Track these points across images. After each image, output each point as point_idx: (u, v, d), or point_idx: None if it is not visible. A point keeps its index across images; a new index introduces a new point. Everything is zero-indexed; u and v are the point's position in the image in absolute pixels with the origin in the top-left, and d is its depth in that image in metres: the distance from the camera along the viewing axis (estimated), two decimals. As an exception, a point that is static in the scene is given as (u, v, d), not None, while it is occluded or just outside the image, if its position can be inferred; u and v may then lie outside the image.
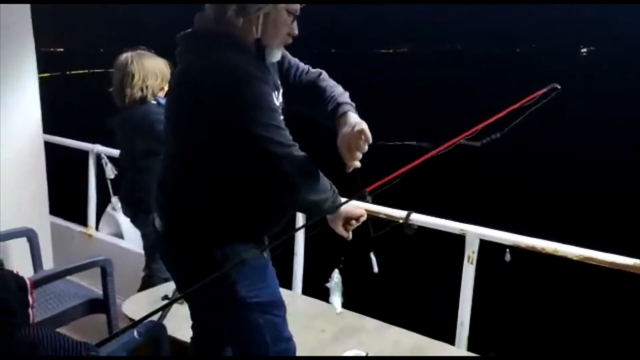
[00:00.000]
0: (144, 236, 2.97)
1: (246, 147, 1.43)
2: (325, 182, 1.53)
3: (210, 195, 1.54)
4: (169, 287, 2.65)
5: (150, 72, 2.76)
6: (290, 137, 1.46)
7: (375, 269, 1.77)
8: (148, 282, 2.91)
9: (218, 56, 1.44)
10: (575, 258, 2.01)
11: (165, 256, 1.76)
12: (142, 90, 2.74)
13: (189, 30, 1.55)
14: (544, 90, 1.36)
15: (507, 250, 2.05)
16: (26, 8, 2.86)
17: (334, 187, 1.56)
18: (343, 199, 1.46)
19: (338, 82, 1.62)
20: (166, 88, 2.84)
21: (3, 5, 2.74)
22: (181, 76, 1.54)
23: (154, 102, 2.79)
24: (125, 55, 2.78)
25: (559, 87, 1.34)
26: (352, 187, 1.50)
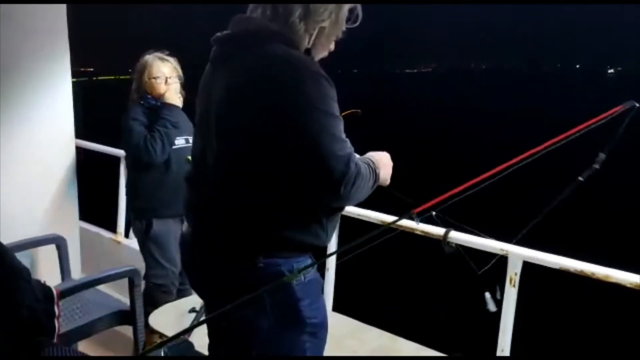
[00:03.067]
0: (138, 240, 2.99)
1: (306, 153, 1.31)
2: (371, 182, 1.42)
3: (265, 199, 1.38)
4: (196, 300, 2.60)
5: (137, 72, 2.81)
6: (350, 149, 1.35)
7: (493, 308, 1.69)
8: (146, 289, 2.87)
9: (283, 52, 1.35)
10: (629, 285, 1.86)
11: (195, 267, 1.57)
12: (134, 93, 2.82)
13: (240, 29, 1.44)
14: (620, 108, 1.24)
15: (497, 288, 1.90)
16: (62, 11, 2.87)
17: (372, 173, 1.43)
18: (391, 218, 1.37)
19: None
20: (162, 89, 2.82)
21: (39, 8, 2.76)
22: (237, 72, 1.39)
23: (141, 103, 2.81)
24: (145, 58, 2.85)
25: (637, 104, 1.22)
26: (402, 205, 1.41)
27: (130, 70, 2.96)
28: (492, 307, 1.81)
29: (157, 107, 2.81)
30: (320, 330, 1.49)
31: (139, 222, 2.85)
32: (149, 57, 2.83)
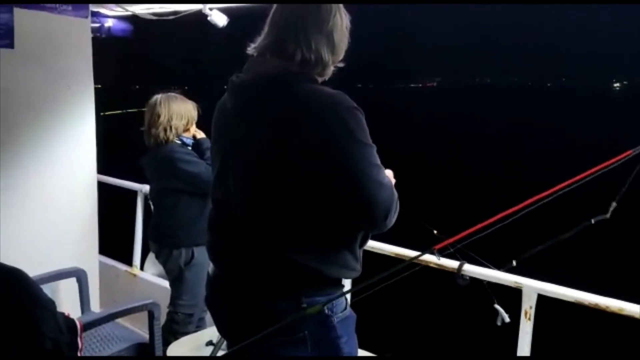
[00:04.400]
0: (168, 272, 3.05)
1: (353, 187, 1.32)
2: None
3: (306, 240, 1.38)
4: (213, 333, 2.62)
5: (176, 114, 2.91)
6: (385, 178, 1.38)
7: (507, 319, 1.71)
8: (172, 318, 2.97)
9: (314, 90, 1.38)
10: (643, 318, 1.87)
11: (222, 306, 1.57)
12: (165, 131, 2.89)
13: (260, 73, 1.44)
14: (631, 153, 1.28)
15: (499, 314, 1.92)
16: (88, 52, 3.01)
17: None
18: (413, 253, 1.40)
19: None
20: (192, 129, 3.00)
21: (68, 49, 2.90)
22: (270, 118, 1.39)
23: (178, 141, 2.93)
24: (155, 97, 2.95)
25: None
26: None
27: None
28: (506, 317, 1.82)
29: (192, 144, 2.97)
30: None
31: (178, 253, 2.89)
32: (191, 105, 2.97)
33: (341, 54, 1.52)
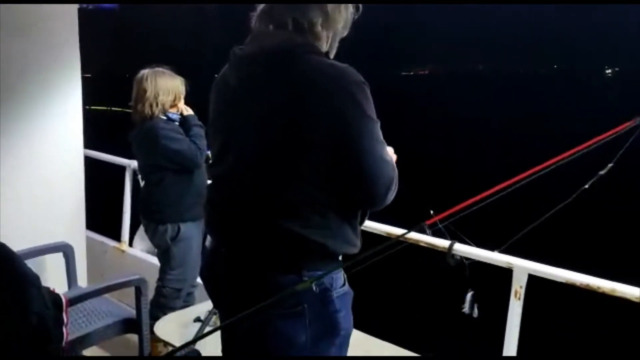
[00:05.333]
0: (155, 246, 3.06)
1: (357, 160, 1.32)
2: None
3: (309, 212, 1.37)
4: (201, 309, 2.61)
5: (162, 89, 2.87)
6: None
7: (468, 310, 1.71)
8: (160, 292, 2.98)
9: (321, 62, 1.36)
10: (635, 300, 1.87)
11: (221, 279, 1.54)
12: (151, 106, 2.84)
13: (266, 45, 1.41)
14: (628, 125, 1.26)
15: (475, 305, 1.92)
16: (74, 23, 2.92)
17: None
18: (402, 231, 1.38)
19: None
20: (180, 105, 2.95)
21: (54, 22, 2.81)
22: (278, 90, 1.36)
23: (163, 117, 2.89)
24: (142, 72, 2.90)
25: (645, 122, 1.24)
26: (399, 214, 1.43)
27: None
28: (467, 308, 1.83)
29: (179, 120, 2.94)
30: (346, 342, 1.51)
31: (163, 228, 2.89)
32: (179, 81, 2.92)
33: (336, 26, 1.48)
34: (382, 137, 1.36)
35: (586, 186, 1.32)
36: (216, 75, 1.57)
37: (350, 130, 1.32)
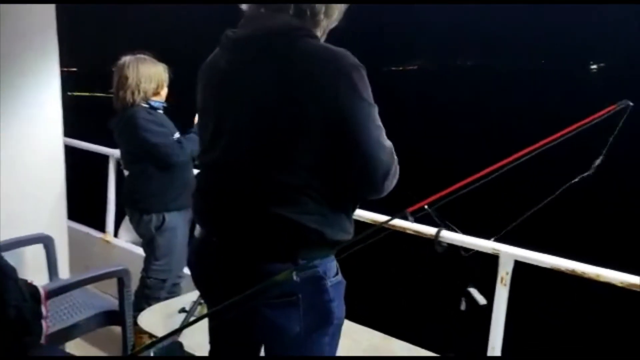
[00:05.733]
0: (140, 236, 3.01)
1: (354, 144, 1.29)
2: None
3: (304, 198, 1.34)
4: (186, 300, 2.58)
5: (145, 76, 2.80)
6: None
7: (483, 301, 1.70)
8: (144, 283, 2.95)
9: (319, 46, 1.35)
10: (619, 285, 1.87)
11: (211, 269, 1.49)
12: (133, 94, 2.78)
13: (263, 27, 1.37)
14: (614, 107, 1.24)
15: (463, 299, 1.92)
16: (51, 10, 2.84)
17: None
18: (385, 217, 1.36)
19: None
20: (163, 93, 2.89)
21: (30, 8, 2.73)
22: (274, 72, 1.32)
23: (145, 105, 2.83)
24: (124, 59, 2.84)
25: (631, 103, 1.22)
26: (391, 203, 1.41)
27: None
28: (481, 300, 1.83)
29: (162, 107, 2.88)
30: (338, 331, 1.50)
31: (148, 218, 2.84)
32: (161, 68, 2.86)
33: (334, 16, 1.46)
34: (380, 122, 1.33)
35: (576, 179, 1.31)
36: (205, 62, 1.52)
37: (346, 112, 1.28)
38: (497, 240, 1.98)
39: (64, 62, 2.93)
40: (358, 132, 1.29)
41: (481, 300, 1.87)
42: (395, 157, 1.36)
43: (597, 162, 1.27)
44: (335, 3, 1.44)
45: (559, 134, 1.23)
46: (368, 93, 1.32)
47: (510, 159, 1.23)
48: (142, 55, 2.86)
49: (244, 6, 1.46)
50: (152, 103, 2.83)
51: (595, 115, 1.23)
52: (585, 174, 1.29)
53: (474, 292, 1.84)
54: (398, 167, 1.37)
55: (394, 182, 1.36)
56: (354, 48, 1.36)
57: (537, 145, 1.22)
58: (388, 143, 1.35)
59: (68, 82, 3.02)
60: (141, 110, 2.79)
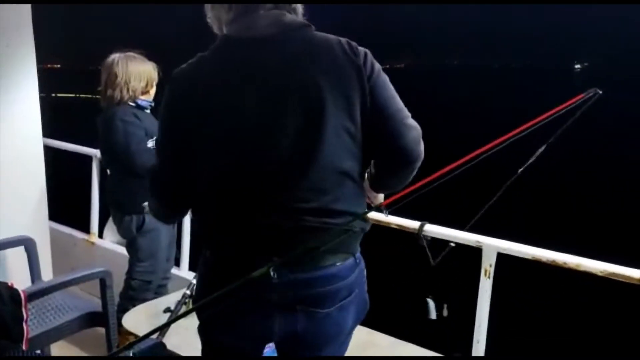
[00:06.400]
0: (122, 237, 2.98)
1: (387, 118, 1.33)
2: None
3: (353, 187, 1.35)
4: (170, 300, 2.56)
5: (134, 74, 2.76)
6: None
7: (433, 316, 1.72)
8: (128, 284, 2.92)
9: (331, 36, 1.37)
10: (600, 274, 1.88)
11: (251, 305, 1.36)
12: (121, 92, 2.73)
13: (277, 25, 1.35)
14: (583, 96, 1.24)
15: (445, 306, 1.95)
16: (27, 7, 2.80)
17: None
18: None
19: None
20: (152, 91, 2.84)
21: (4, 7, 2.69)
22: (295, 63, 1.31)
23: (132, 104, 2.78)
24: (112, 57, 2.79)
25: (600, 91, 1.23)
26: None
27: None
28: (433, 314, 1.88)
29: (150, 107, 2.82)
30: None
31: (129, 218, 2.80)
32: (151, 66, 2.81)
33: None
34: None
35: (520, 170, 1.33)
36: (183, 71, 1.38)
37: (377, 89, 1.33)
38: (470, 230, 1.99)
39: (47, 59, 2.89)
40: (389, 106, 1.33)
41: (432, 314, 1.90)
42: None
43: (540, 150, 1.30)
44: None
45: (528, 124, 1.24)
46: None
47: (482, 149, 1.23)
48: (131, 53, 2.81)
49: (218, 12, 1.41)
50: (140, 102, 2.78)
51: (563, 105, 1.23)
52: (527, 164, 1.32)
53: (430, 304, 1.87)
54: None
55: (422, 147, 1.37)
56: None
57: (507, 136, 1.23)
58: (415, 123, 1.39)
59: (51, 82, 2.97)
60: (123, 110, 2.73)
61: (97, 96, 2.85)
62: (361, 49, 1.36)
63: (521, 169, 1.32)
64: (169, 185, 1.44)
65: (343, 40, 1.36)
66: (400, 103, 1.37)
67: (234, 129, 1.31)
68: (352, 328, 1.45)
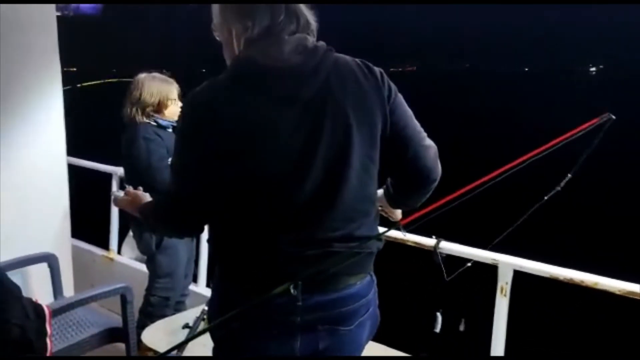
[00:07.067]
0: (143, 253, 3.01)
1: (406, 139, 1.37)
2: None
3: (373, 203, 1.41)
4: (189, 316, 2.59)
5: (147, 92, 2.83)
6: None
7: (437, 329, 1.75)
8: (147, 300, 2.95)
9: (351, 58, 1.40)
10: (618, 292, 1.88)
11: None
12: (133, 109, 2.81)
13: (314, 55, 1.33)
14: (597, 120, 1.26)
15: (462, 320, 1.96)
16: (53, 29, 2.90)
17: None
18: (381, 229, 1.37)
19: None
20: (172, 111, 2.85)
21: (34, 25, 2.79)
22: (332, 89, 1.32)
23: (153, 123, 2.84)
24: (137, 76, 2.87)
25: (614, 117, 1.25)
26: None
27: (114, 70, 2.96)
28: (438, 328, 1.90)
29: (169, 127, 2.86)
30: None
31: (148, 235, 2.85)
32: (166, 84, 2.87)
33: None
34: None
35: (546, 198, 1.35)
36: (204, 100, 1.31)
37: (398, 112, 1.36)
38: (493, 249, 2.00)
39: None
40: (408, 127, 1.36)
41: (438, 327, 1.93)
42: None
43: (566, 179, 1.31)
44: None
45: (542, 148, 1.26)
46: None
47: (500, 171, 1.26)
48: (155, 73, 2.90)
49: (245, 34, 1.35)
50: (160, 121, 2.84)
51: (579, 129, 1.25)
52: (553, 191, 1.33)
53: (438, 317, 1.88)
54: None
55: (439, 165, 1.41)
56: (352, 48, 1.39)
57: (524, 158, 1.25)
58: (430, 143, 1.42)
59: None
60: (145, 128, 2.80)
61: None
62: (376, 70, 1.37)
63: (547, 196, 1.33)
64: (188, 205, 1.38)
65: (359, 61, 1.37)
66: (417, 123, 1.39)
67: (264, 159, 1.29)
68: (366, 343, 1.48)
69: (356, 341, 1.42)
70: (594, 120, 1.26)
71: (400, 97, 1.38)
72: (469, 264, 1.87)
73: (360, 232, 1.35)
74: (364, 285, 1.39)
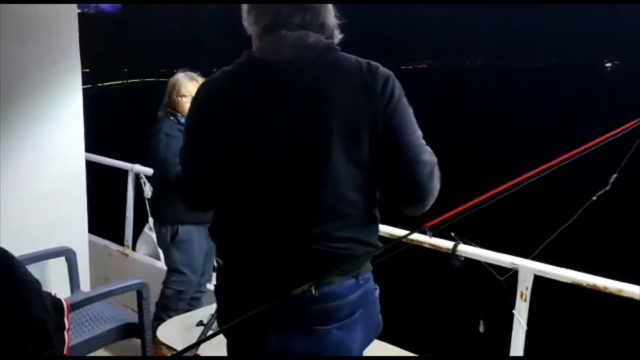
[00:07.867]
0: (160, 246, 3.09)
1: (399, 148, 1.32)
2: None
3: (369, 204, 1.37)
4: (204, 313, 2.60)
5: (169, 88, 2.92)
6: None
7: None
8: (163, 293, 2.98)
9: (355, 57, 1.37)
10: (643, 300, 1.84)
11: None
12: (166, 107, 2.92)
13: (308, 49, 1.34)
14: (636, 122, 1.24)
15: (481, 321, 1.92)
16: (74, 27, 2.91)
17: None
18: (403, 232, 1.36)
19: None
20: (182, 104, 2.88)
21: (55, 24, 2.81)
22: (329, 85, 1.33)
23: (174, 119, 2.89)
24: (174, 75, 2.97)
25: (653, 118, 1.22)
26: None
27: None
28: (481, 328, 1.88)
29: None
30: None
31: (164, 229, 2.91)
32: (180, 76, 2.94)
33: None
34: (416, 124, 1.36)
35: (594, 198, 1.31)
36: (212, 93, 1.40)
37: (396, 117, 1.32)
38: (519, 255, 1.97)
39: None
40: (403, 137, 1.31)
41: (481, 328, 1.90)
42: (434, 156, 1.37)
43: (614, 177, 1.28)
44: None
45: (574, 151, 1.24)
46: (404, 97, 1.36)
47: (530, 173, 1.23)
48: (190, 73, 2.96)
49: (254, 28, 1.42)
50: (180, 118, 2.87)
51: (615, 131, 1.23)
52: (603, 190, 1.30)
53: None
54: (438, 168, 1.37)
55: (438, 185, 1.35)
56: (364, 46, 1.36)
57: (556, 161, 1.23)
58: (423, 142, 1.36)
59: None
60: (169, 124, 2.87)
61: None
62: (382, 73, 1.34)
63: (595, 196, 1.31)
64: (194, 191, 1.51)
65: (364, 63, 1.35)
66: (416, 137, 1.34)
67: (253, 152, 1.34)
68: (361, 349, 1.44)
69: (344, 345, 1.38)
70: (631, 123, 1.23)
71: (403, 104, 1.33)
72: (499, 279, 1.84)
73: (339, 234, 1.32)
74: (345, 287, 1.35)
